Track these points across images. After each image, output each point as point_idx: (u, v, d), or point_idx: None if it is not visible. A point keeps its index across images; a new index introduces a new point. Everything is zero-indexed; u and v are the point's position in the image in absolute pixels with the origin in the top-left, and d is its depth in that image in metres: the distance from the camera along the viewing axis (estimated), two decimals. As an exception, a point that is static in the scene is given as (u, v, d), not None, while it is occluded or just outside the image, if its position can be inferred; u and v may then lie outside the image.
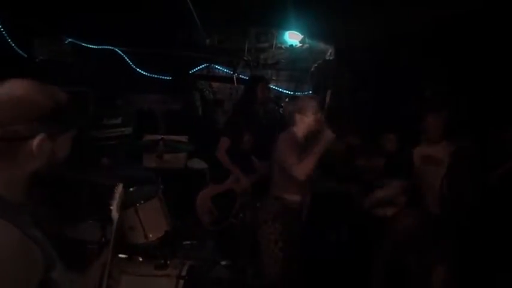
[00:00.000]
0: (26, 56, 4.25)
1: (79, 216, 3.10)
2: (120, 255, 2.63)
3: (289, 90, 5.45)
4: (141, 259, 2.70)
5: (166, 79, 5.37)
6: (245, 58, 5.28)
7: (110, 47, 5.01)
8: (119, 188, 1.77)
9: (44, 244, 1.01)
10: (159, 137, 3.40)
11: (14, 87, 1.01)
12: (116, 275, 1.54)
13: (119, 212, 1.70)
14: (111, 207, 1.70)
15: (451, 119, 3.25)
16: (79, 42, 4.72)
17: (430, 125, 3.32)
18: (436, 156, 3.30)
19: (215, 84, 5.59)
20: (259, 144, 3.72)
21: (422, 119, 3.36)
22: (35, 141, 0.99)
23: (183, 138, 4.08)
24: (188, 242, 3.69)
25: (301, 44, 5.13)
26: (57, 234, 2.68)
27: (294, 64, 5.36)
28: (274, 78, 5.40)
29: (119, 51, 5.09)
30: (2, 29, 4.07)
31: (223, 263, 3.68)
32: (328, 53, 5.03)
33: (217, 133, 4.05)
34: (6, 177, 1.00)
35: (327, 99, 3.10)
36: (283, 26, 4.99)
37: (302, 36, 5.04)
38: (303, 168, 2.69)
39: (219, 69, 5.52)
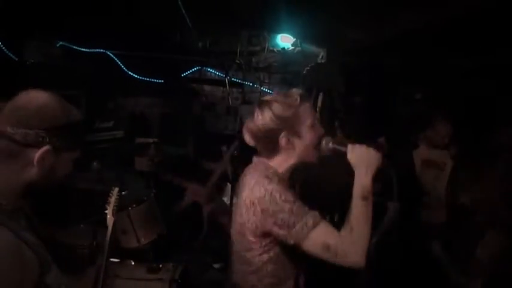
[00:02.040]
0: (16, 59, 4.21)
1: (70, 220, 3.08)
2: (113, 260, 2.62)
3: (281, 93, 5.46)
4: (133, 263, 2.69)
5: (158, 82, 5.36)
6: (237, 61, 5.29)
7: (102, 50, 4.98)
8: (114, 192, 1.77)
9: (38, 248, 1.02)
10: (151, 140, 3.40)
11: (37, 96, 1.05)
12: (109, 281, 1.54)
13: (114, 216, 1.70)
14: (106, 212, 1.70)
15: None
16: (70, 46, 4.69)
17: (439, 131, 3.27)
18: (438, 160, 3.28)
19: (207, 87, 5.60)
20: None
21: (428, 124, 3.33)
22: (39, 151, 1.01)
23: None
24: (181, 245, 3.68)
25: (293, 47, 5.15)
26: (51, 238, 2.66)
27: (286, 67, 5.37)
28: (266, 81, 5.42)
29: (111, 54, 5.05)
30: (-8, 32, 4.04)
31: (216, 266, 3.67)
32: (320, 56, 5.05)
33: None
34: (2, 182, 1.01)
35: (319, 102, 3.10)
36: (275, 29, 5.00)
37: (294, 40, 5.06)
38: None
39: (211, 72, 5.52)
